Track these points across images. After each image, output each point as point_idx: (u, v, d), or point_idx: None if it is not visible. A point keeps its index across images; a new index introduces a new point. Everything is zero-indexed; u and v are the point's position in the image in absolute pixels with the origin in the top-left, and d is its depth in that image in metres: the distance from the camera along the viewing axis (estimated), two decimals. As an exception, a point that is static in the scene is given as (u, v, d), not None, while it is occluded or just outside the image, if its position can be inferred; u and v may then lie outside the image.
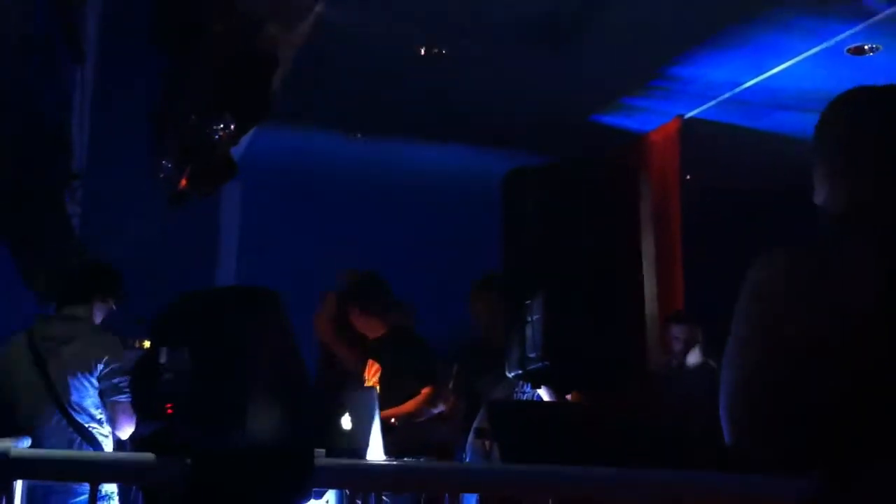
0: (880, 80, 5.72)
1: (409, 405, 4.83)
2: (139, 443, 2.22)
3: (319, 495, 3.19)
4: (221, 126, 5.64)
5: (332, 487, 2.69)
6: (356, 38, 5.62)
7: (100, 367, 4.12)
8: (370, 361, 5.06)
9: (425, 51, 5.72)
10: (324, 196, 8.24)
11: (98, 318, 4.37)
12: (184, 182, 6.46)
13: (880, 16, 5.30)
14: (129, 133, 6.36)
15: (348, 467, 1.79)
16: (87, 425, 4.05)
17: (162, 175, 6.50)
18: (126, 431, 4.14)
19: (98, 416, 4.11)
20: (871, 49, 5.70)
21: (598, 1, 5.36)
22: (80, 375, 4.08)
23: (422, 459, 4.01)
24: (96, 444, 4.05)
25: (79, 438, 4.02)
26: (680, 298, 6.80)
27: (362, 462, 2.85)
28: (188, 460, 1.40)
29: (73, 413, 4.04)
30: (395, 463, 2.74)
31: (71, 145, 6.89)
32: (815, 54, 5.72)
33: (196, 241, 8.18)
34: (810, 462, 1.86)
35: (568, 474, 1.87)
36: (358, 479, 1.63)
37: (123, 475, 1.84)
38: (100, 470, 1.64)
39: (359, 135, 7.42)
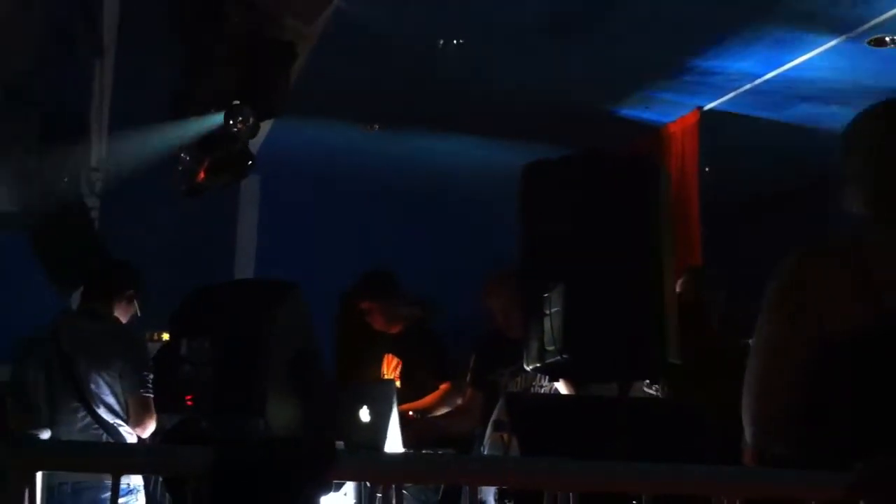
0: (901, 73, 5.56)
1: (427, 400, 4.84)
2: (163, 435, 2.24)
3: (338, 487, 3.20)
4: (240, 118, 5.66)
5: (352, 479, 2.70)
6: (374, 31, 5.62)
7: (123, 363, 4.14)
8: (389, 356, 5.07)
9: (443, 43, 5.70)
10: (341, 189, 8.25)
11: (124, 317, 4.39)
12: (202, 174, 6.48)
13: (903, 6, 5.25)
14: (148, 124, 6.37)
15: (368, 459, 1.79)
16: (112, 422, 4.08)
17: (180, 167, 6.52)
18: (148, 428, 4.16)
19: (122, 414, 4.13)
20: (891, 41, 5.64)
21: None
22: (104, 372, 4.10)
23: (440, 452, 4.02)
24: (121, 441, 4.07)
25: (104, 435, 4.04)
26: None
27: (382, 454, 2.86)
28: (212, 451, 1.41)
29: (97, 410, 4.06)
30: (413, 455, 2.76)
31: (90, 137, 6.92)
32: (836, 46, 5.67)
33: (214, 233, 8.21)
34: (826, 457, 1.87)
35: (589, 468, 1.87)
36: (378, 471, 1.63)
37: (146, 466, 1.84)
38: (122, 461, 1.64)
39: (376, 127, 7.41)
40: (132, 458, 1.66)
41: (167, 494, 1.83)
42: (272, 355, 2.78)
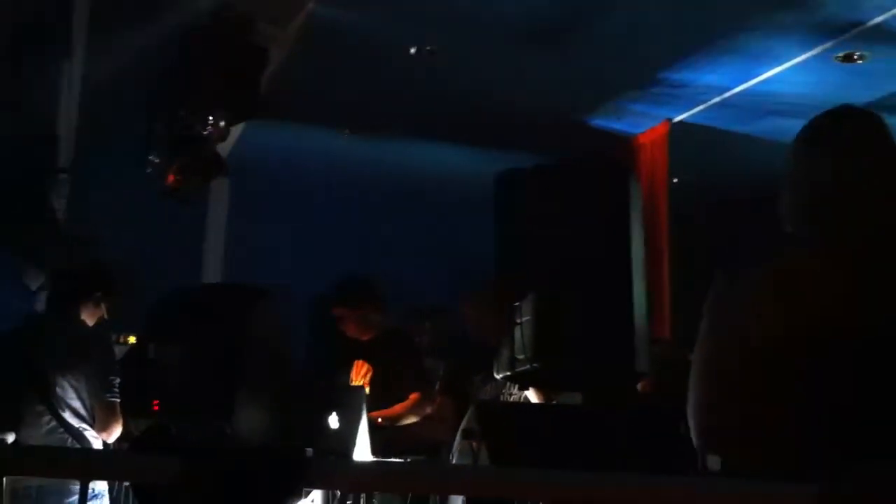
0: (867, 88, 5.76)
1: (396, 409, 4.82)
2: (132, 441, 2.21)
3: (306, 494, 3.19)
4: (211, 121, 5.63)
5: (323, 488, 2.68)
6: (348, 36, 5.61)
7: (90, 367, 4.07)
8: (360, 363, 5.05)
9: (416, 50, 5.71)
10: (312, 193, 8.21)
11: (91, 320, 4.31)
12: (172, 178, 6.43)
13: (869, 24, 5.33)
14: (118, 127, 6.32)
15: (340, 468, 1.79)
16: (77, 426, 4.01)
17: (150, 170, 6.47)
18: (114, 433, 4.09)
19: (88, 418, 4.06)
20: (859, 57, 5.73)
21: (591, 4, 5.37)
22: (70, 376, 4.03)
23: (409, 460, 4.00)
24: (87, 445, 4.00)
25: (70, 439, 3.98)
26: (667, 301, 6.82)
27: (354, 462, 2.84)
28: (182, 459, 1.39)
29: (63, 414, 3.99)
30: (387, 464, 2.75)
31: (57, 139, 6.85)
32: (805, 61, 5.75)
33: (182, 236, 8.14)
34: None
35: (559, 477, 1.87)
36: (350, 479, 1.63)
37: (116, 472, 1.82)
38: (91, 467, 1.62)
39: (346, 131, 7.40)
40: (101, 464, 1.64)
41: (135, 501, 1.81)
42: (242, 361, 2.76)
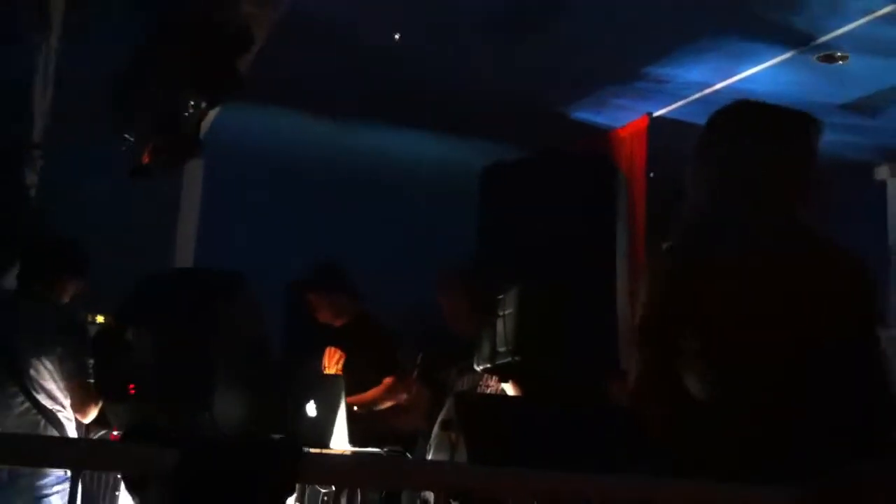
0: (848, 89, 5.80)
1: (370, 394, 4.81)
2: (123, 433, 2.18)
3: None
4: (189, 102, 5.55)
5: (320, 483, 2.65)
6: (332, 21, 5.56)
7: (63, 348, 4.01)
8: (332, 349, 5.03)
9: (400, 37, 5.67)
10: (288, 179, 8.13)
11: (65, 298, 4.24)
12: (146, 158, 6.35)
13: (850, 26, 5.36)
14: (93, 104, 6.22)
15: (337, 462, 1.76)
16: (51, 408, 3.94)
17: (124, 148, 6.39)
18: (90, 414, 4.04)
19: (62, 400, 4.00)
20: (841, 57, 5.76)
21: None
22: (44, 357, 3.97)
23: (385, 449, 3.99)
24: (60, 428, 3.94)
25: (43, 421, 3.92)
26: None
27: (349, 456, 2.81)
28: (177, 452, 1.36)
29: (37, 396, 3.93)
30: (385, 459, 2.71)
31: (32, 114, 6.74)
32: (787, 60, 5.77)
33: (155, 216, 8.03)
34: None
35: (546, 477, 1.85)
36: (346, 474, 1.59)
37: (110, 463, 1.79)
38: (84, 458, 1.59)
39: (324, 116, 7.35)
40: (95, 455, 1.61)
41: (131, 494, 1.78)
42: (220, 347, 2.72)
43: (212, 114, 6.19)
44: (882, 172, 7.84)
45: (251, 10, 5.20)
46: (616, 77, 6.39)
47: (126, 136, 6.28)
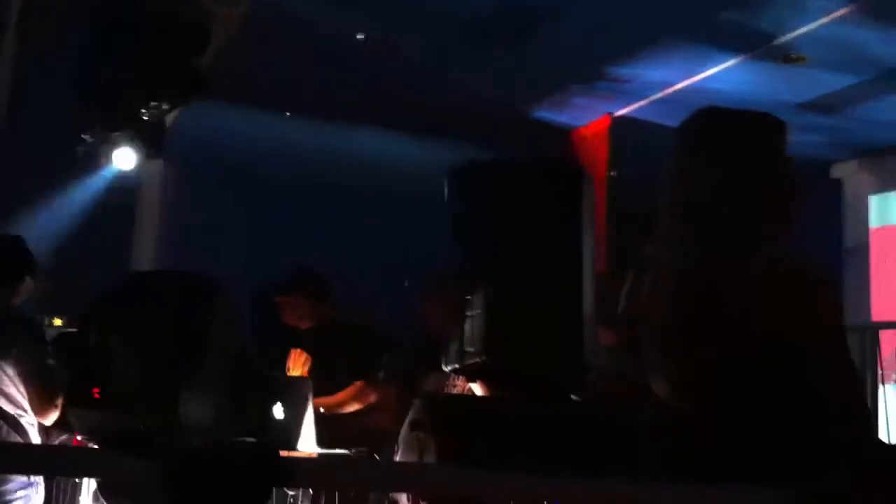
0: (806, 88, 5.86)
1: (337, 397, 4.78)
2: (105, 439, 2.14)
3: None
4: (150, 102, 5.49)
5: (299, 486, 2.63)
6: (297, 19, 5.53)
7: (22, 351, 3.93)
8: (297, 352, 5.00)
9: (364, 36, 5.65)
10: (253, 179, 8.03)
11: (17, 300, 4.15)
12: (105, 158, 6.29)
13: (811, 27, 5.43)
14: (51, 105, 6.13)
15: (318, 465, 1.74)
16: (13, 413, 3.86)
17: (82, 149, 6.31)
18: (51, 416, 3.97)
19: (24, 404, 3.92)
20: (798, 58, 5.83)
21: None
22: (2, 362, 3.88)
23: (353, 451, 3.97)
24: (22, 433, 3.86)
25: (4, 426, 3.83)
26: (603, 293, 6.86)
27: (328, 458, 2.79)
28: (158, 458, 1.34)
29: None
30: (367, 461, 2.69)
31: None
32: (748, 60, 5.83)
33: (114, 218, 7.93)
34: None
35: (517, 477, 1.85)
36: (328, 477, 1.58)
37: (93, 470, 1.76)
38: (68, 463, 1.56)
39: (287, 114, 7.30)
40: (82, 461, 1.57)
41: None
42: (189, 350, 2.70)
43: (173, 112, 6.13)
44: (838, 171, 7.95)
45: (214, 8, 5.16)
46: (578, 77, 6.42)
47: (84, 136, 6.21)
